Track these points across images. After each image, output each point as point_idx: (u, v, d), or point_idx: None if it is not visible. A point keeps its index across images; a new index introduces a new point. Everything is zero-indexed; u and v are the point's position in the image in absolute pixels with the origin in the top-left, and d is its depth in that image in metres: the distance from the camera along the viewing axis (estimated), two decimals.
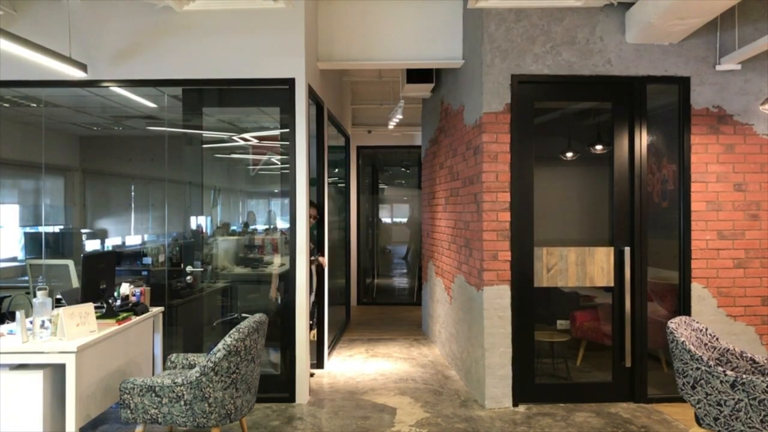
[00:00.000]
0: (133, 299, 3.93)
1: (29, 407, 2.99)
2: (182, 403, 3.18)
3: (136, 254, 6.43)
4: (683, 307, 4.42)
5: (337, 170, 8.12)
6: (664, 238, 4.56)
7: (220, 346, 3.19)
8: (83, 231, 7.45)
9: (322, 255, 5.57)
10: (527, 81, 4.39)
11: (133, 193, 8.10)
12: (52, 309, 3.30)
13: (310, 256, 4.76)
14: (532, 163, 4.42)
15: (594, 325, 4.87)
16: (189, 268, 5.11)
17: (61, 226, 7.41)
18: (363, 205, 9.50)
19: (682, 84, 4.42)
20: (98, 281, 3.73)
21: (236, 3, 4.41)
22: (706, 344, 3.32)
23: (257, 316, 3.46)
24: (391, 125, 8.28)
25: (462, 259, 5.06)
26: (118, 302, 3.83)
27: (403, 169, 11.31)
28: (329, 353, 5.86)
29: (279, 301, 4.60)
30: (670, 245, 4.50)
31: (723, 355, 3.32)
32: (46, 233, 6.67)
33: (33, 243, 6.49)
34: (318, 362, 5.48)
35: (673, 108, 4.48)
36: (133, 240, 7.86)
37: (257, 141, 6.00)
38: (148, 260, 6.08)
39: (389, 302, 9.51)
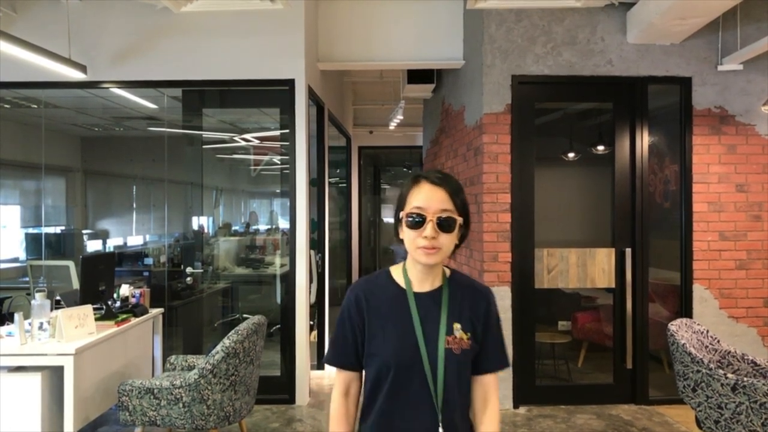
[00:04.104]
0: (133, 300, 3.93)
1: (28, 409, 2.99)
2: (181, 405, 3.17)
3: (138, 255, 6.44)
4: (685, 309, 4.40)
5: (338, 170, 8.11)
6: (668, 239, 4.54)
7: (218, 348, 3.19)
8: (84, 232, 7.47)
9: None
10: (528, 81, 4.37)
11: (134, 194, 8.11)
12: (51, 311, 3.30)
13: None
14: (533, 163, 4.40)
15: (595, 326, 4.85)
16: (189, 269, 5.11)
17: (63, 227, 7.43)
18: (365, 205, 9.49)
19: (684, 84, 4.39)
20: (97, 283, 3.73)
21: (233, 4, 4.40)
22: (707, 346, 3.30)
23: (256, 318, 3.45)
24: (392, 126, 8.28)
25: (462, 260, 5.04)
26: (118, 304, 3.83)
27: (405, 170, 11.31)
28: None
29: None
30: (674, 246, 4.48)
31: (724, 357, 3.30)
32: (47, 234, 6.68)
33: (34, 244, 6.50)
34: (318, 363, 5.48)
35: (675, 108, 4.45)
36: (135, 240, 7.88)
37: (258, 141, 6.00)
38: (149, 261, 6.09)
39: None
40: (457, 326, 1.49)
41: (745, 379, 2.80)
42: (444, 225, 1.44)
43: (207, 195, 5.95)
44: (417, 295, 1.52)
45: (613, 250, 4.43)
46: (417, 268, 1.53)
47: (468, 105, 4.84)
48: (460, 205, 1.47)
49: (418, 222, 1.45)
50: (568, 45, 4.36)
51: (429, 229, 1.43)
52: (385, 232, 10.96)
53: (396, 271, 1.60)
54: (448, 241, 1.45)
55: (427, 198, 1.45)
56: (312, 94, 4.80)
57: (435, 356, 1.46)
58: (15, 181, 6.90)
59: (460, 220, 1.46)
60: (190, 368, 3.76)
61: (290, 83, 4.48)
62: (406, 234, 1.48)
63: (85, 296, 3.57)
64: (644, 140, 4.42)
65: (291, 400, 4.50)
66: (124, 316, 3.69)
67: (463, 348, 1.48)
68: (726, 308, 4.37)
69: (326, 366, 5.49)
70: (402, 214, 1.49)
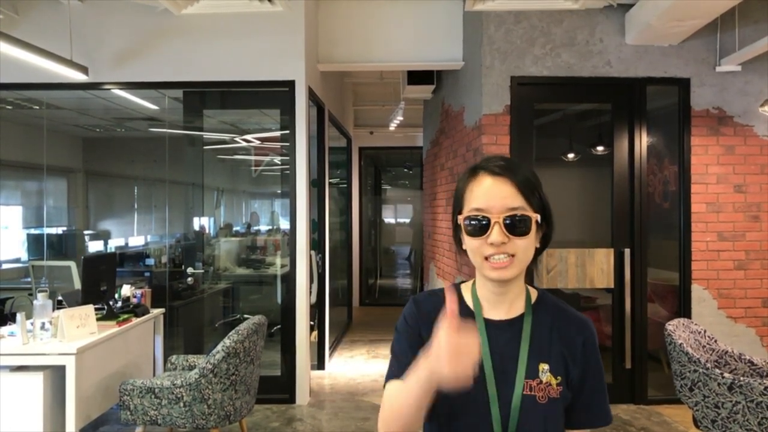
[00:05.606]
0: (134, 301, 3.95)
1: (30, 408, 3.01)
2: (181, 404, 3.19)
3: (139, 255, 6.47)
4: (683, 309, 4.41)
5: (339, 171, 8.13)
6: (667, 239, 4.56)
7: (219, 348, 3.21)
8: (86, 232, 7.50)
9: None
10: (527, 83, 4.38)
11: (135, 195, 8.14)
12: (53, 311, 3.33)
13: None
14: (532, 164, 4.41)
15: (595, 326, 4.84)
16: (190, 270, 5.13)
17: (64, 228, 7.46)
18: (365, 205, 9.51)
19: (682, 85, 4.41)
20: (99, 283, 3.75)
21: (233, 6, 4.42)
22: (704, 346, 3.32)
23: (256, 318, 3.47)
24: (392, 127, 8.30)
25: (463, 260, 5.05)
26: (119, 304, 3.85)
27: (405, 170, 11.33)
28: (330, 354, 5.87)
29: None
30: (673, 246, 4.49)
31: (721, 357, 3.32)
32: (49, 235, 6.71)
33: (36, 244, 6.53)
34: (319, 363, 5.50)
35: (673, 109, 4.47)
36: (137, 241, 7.91)
37: (259, 142, 6.03)
38: (150, 261, 6.12)
39: (392, 303, 9.48)
40: (543, 367, 1.13)
41: (742, 378, 2.82)
42: (515, 226, 1.09)
43: (208, 196, 5.97)
44: (489, 322, 1.16)
45: (612, 250, 4.45)
46: (488, 287, 1.17)
47: (467, 106, 4.86)
48: (536, 198, 1.13)
49: (480, 226, 1.10)
50: (566, 46, 4.37)
51: (495, 233, 1.08)
52: (386, 232, 10.99)
53: (466, 289, 1.24)
54: (524, 246, 1.10)
55: (489, 194, 1.10)
56: (312, 95, 4.82)
57: (508, 406, 1.09)
58: (17, 182, 6.94)
59: (536, 217, 1.12)
60: (191, 368, 3.78)
61: (290, 84, 4.50)
62: (467, 243, 1.13)
63: (86, 296, 3.60)
64: (643, 141, 4.43)
65: (291, 399, 4.53)
66: (126, 316, 3.72)
67: (551, 396, 1.12)
68: (724, 308, 4.39)
69: (326, 366, 5.52)
70: (460, 219, 1.14)
